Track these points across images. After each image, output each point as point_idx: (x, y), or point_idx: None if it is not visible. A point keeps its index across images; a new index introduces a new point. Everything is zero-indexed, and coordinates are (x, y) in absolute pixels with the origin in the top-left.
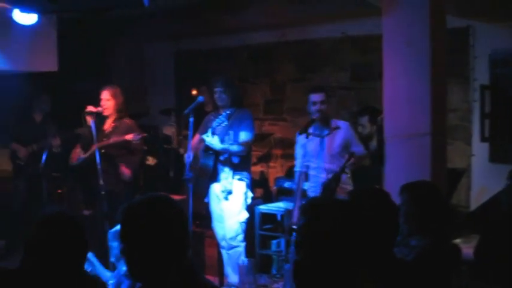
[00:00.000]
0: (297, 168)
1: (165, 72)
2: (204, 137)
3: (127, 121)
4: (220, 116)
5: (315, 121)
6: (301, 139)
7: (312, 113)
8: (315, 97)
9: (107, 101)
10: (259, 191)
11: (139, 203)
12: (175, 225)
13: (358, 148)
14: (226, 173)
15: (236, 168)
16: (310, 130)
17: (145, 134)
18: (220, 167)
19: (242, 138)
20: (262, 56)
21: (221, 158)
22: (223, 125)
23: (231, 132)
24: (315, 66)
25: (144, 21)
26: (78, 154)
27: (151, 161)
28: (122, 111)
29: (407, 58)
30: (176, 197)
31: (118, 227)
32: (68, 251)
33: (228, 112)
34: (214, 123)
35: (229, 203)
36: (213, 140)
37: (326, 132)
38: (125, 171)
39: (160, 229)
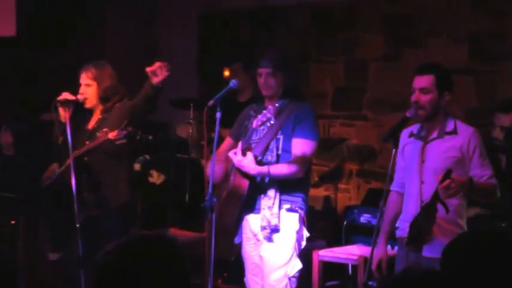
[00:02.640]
0: (391, 187)
1: (183, 44)
2: (231, 155)
3: (119, 105)
4: (264, 111)
5: (407, 120)
6: (403, 140)
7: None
8: (417, 81)
9: (87, 86)
10: (321, 227)
11: (120, 250)
12: (174, 284)
13: (483, 172)
14: (269, 200)
15: (285, 191)
16: (414, 130)
17: (130, 128)
18: (260, 189)
19: (297, 149)
20: (333, 19)
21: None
22: (268, 124)
23: (280, 138)
24: (414, 36)
25: None
26: (54, 170)
27: (156, 177)
28: (111, 99)
29: None
30: (191, 235)
31: None
32: None
33: (277, 105)
34: (255, 122)
35: (274, 247)
36: (244, 161)
37: (434, 135)
38: None
39: None
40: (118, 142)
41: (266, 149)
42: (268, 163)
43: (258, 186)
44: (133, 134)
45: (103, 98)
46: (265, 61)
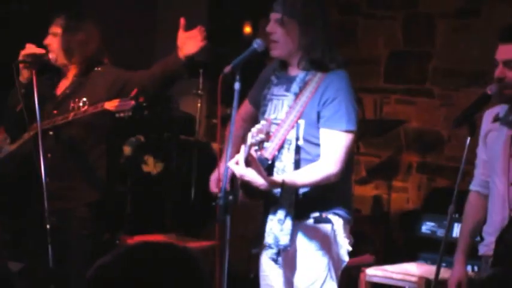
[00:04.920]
0: (471, 186)
1: None
2: (232, 166)
3: (102, 70)
4: (281, 84)
5: (488, 99)
6: (486, 125)
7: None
8: (501, 51)
9: (54, 36)
10: (369, 238)
11: (119, 263)
12: None
13: None
14: (281, 211)
15: (313, 193)
16: (500, 112)
17: (141, 99)
18: (272, 195)
19: (326, 144)
20: None
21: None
22: (286, 101)
23: (301, 124)
24: None
25: None
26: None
27: (152, 166)
28: (93, 60)
29: None
30: (197, 243)
31: None
32: None
33: (300, 76)
34: (274, 98)
35: (297, 272)
36: (248, 175)
37: None
38: None
39: None
40: (119, 115)
41: (283, 143)
42: (283, 167)
43: (269, 194)
44: (143, 107)
45: (67, 49)
46: (277, 2)
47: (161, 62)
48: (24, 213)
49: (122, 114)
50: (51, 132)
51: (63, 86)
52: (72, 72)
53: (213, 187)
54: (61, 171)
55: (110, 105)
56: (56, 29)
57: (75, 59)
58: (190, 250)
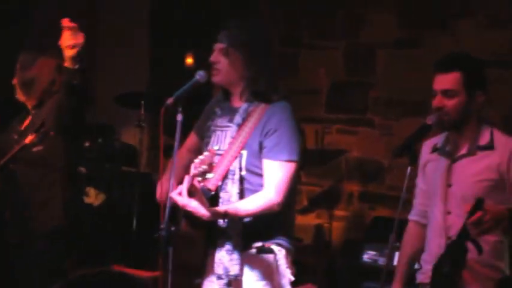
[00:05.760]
0: (410, 216)
1: (131, 19)
2: (174, 196)
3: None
4: (224, 115)
5: (429, 129)
6: (424, 156)
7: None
8: (438, 81)
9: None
10: (311, 267)
11: None
12: None
13: None
14: (229, 241)
15: (256, 224)
16: (438, 142)
17: (49, 132)
18: (218, 226)
19: (269, 175)
20: None
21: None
22: (229, 132)
23: (244, 154)
24: (438, 16)
25: None
26: None
27: (93, 197)
28: (48, 92)
29: None
30: (139, 274)
31: None
32: None
33: (243, 107)
34: (218, 129)
35: None
36: (191, 205)
37: (464, 150)
38: None
39: None
40: (34, 149)
41: (227, 173)
42: (229, 198)
43: (215, 224)
44: (50, 137)
45: (22, 85)
46: (222, 33)
47: None
48: None
49: (36, 149)
50: (11, 166)
51: (28, 119)
52: (30, 104)
53: (159, 194)
54: (18, 204)
55: (28, 139)
56: (18, 67)
57: (32, 94)
58: (140, 279)
